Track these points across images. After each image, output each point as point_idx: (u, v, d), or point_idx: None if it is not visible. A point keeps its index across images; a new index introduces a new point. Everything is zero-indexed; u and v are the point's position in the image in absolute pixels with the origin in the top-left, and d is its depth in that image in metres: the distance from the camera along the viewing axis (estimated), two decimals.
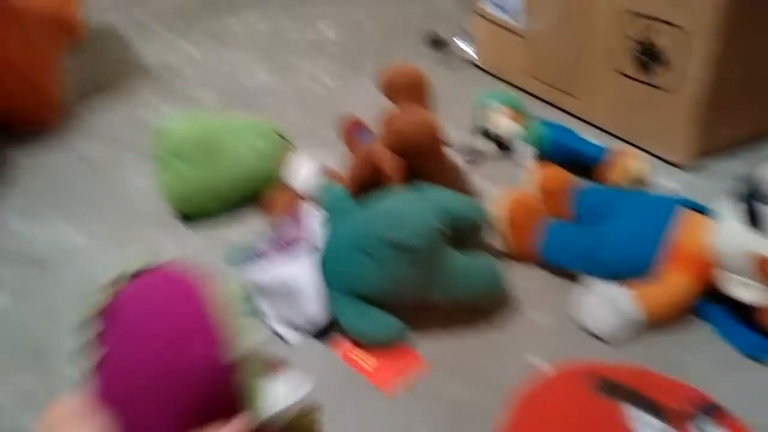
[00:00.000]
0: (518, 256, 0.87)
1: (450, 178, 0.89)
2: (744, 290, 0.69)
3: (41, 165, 1.24)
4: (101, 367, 0.36)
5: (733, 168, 1.06)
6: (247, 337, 0.36)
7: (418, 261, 0.72)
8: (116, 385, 0.35)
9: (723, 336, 0.73)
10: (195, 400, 0.34)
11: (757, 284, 0.68)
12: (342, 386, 0.72)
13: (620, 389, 0.48)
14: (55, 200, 1.15)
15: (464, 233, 0.81)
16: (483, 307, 0.80)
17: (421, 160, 0.84)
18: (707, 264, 0.72)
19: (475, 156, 1.14)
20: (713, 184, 1.01)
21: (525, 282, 0.84)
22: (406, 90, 0.90)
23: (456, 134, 1.12)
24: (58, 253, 1.00)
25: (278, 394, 0.37)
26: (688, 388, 0.51)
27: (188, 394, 0.35)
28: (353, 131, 1.16)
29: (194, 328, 0.35)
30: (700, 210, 0.78)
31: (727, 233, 0.71)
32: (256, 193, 1.08)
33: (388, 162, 0.82)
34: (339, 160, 1.04)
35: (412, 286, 0.74)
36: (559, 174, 0.91)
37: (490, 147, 1.15)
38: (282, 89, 1.46)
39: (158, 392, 0.34)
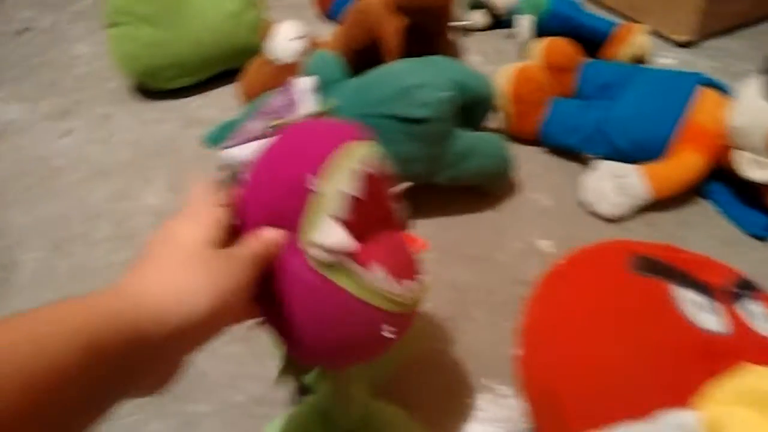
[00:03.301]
0: (521, 135, 0.82)
1: (455, 50, 0.81)
2: (757, 169, 0.67)
3: None
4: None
5: (736, 48, 1.02)
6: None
7: (426, 136, 0.66)
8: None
9: (728, 215, 0.72)
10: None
11: None
12: None
13: (661, 266, 0.45)
14: None
15: (473, 110, 0.74)
16: (487, 189, 0.76)
17: (431, 21, 0.75)
18: (721, 143, 0.70)
19: (467, 31, 1.05)
20: (716, 63, 0.97)
21: (528, 163, 0.80)
22: None
23: None
24: None
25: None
26: (722, 265, 0.49)
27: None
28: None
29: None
30: (720, 88, 0.74)
31: (746, 110, 0.67)
32: (226, 63, 0.97)
33: (388, 23, 0.73)
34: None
35: (418, 166, 0.68)
36: (566, 47, 0.84)
37: (483, 20, 1.06)
38: None
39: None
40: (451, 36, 0.84)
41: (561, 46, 0.84)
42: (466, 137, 0.70)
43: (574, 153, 0.80)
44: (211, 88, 0.98)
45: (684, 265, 0.46)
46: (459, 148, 0.69)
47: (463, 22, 1.04)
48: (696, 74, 0.76)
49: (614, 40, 0.92)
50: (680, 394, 0.40)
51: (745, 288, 0.45)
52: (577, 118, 0.78)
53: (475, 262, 0.68)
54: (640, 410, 0.40)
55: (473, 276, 0.67)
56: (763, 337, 0.41)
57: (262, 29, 0.85)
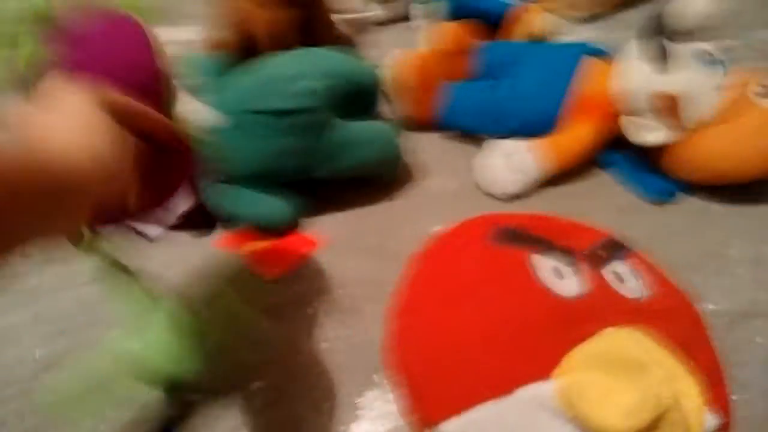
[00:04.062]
0: (418, 122, 0.80)
1: (345, 41, 0.78)
2: (648, 133, 0.65)
3: None
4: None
5: (641, 20, 1.01)
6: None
7: (298, 127, 0.63)
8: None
9: (628, 182, 0.70)
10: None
11: (661, 125, 0.65)
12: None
13: (524, 236, 0.43)
14: None
15: (359, 99, 0.72)
16: (382, 180, 0.73)
17: (305, 12, 0.72)
18: (612, 111, 0.68)
19: (363, 23, 1.02)
20: (618, 34, 0.97)
21: (426, 149, 0.78)
22: None
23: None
24: None
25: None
26: (595, 230, 0.47)
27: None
28: None
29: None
30: (606, 56, 0.73)
31: (632, 74, 0.66)
32: None
33: (258, 16, 0.69)
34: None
35: (293, 159, 0.65)
36: (458, 31, 0.82)
37: (386, 12, 1.03)
38: None
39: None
40: (338, 27, 0.81)
41: (452, 30, 0.82)
42: (348, 128, 0.67)
43: (473, 135, 0.77)
44: None
45: (548, 233, 0.44)
46: (339, 139, 0.66)
47: (363, 14, 1.01)
48: (581, 44, 0.75)
49: (510, 20, 0.91)
50: (542, 367, 0.37)
51: (612, 249, 0.43)
52: (471, 100, 0.76)
53: (367, 255, 0.65)
54: (502, 388, 0.37)
55: (365, 270, 0.63)
56: (625, 298, 0.39)
57: None
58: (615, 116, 0.68)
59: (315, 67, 0.65)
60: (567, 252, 0.41)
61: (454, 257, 0.43)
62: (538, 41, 0.91)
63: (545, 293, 0.38)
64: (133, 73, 0.43)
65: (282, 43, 0.71)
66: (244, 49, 0.72)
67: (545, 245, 0.42)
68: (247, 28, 0.70)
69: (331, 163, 0.67)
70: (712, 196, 0.67)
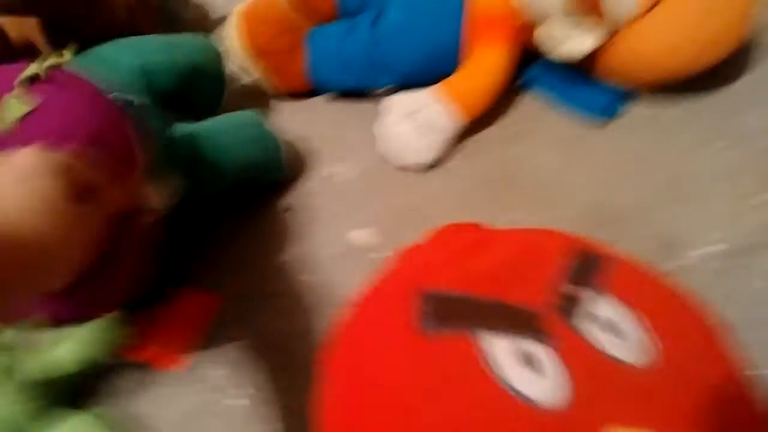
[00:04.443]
0: (286, 90, 0.62)
1: (134, 15, 0.58)
2: (569, 44, 0.50)
3: None
4: None
5: None
6: None
7: None
8: None
9: (561, 103, 0.56)
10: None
11: (582, 29, 0.50)
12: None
13: (462, 305, 0.29)
14: None
15: (200, 89, 0.54)
16: (264, 183, 0.57)
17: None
18: (518, 23, 0.53)
19: None
20: None
21: (309, 127, 0.61)
22: None
23: None
24: None
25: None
26: (549, 249, 0.33)
27: None
28: None
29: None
30: None
31: None
32: None
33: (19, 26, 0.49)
34: None
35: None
36: None
37: None
38: None
39: None
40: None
41: None
42: (198, 130, 0.50)
43: (361, 94, 0.61)
44: None
45: (492, 282, 0.30)
46: (190, 148, 0.48)
47: None
48: None
49: None
50: None
51: (581, 283, 0.30)
52: (343, 50, 0.58)
53: (283, 300, 0.51)
54: None
55: (274, 313, 0.50)
56: (627, 372, 0.27)
57: None
58: (525, 29, 0.53)
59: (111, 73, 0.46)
60: (528, 316, 0.28)
61: (376, 364, 0.30)
62: None
63: (515, 405, 0.26)
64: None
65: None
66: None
67: (495, 311, 0.29)
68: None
69: (192, 183, 0.50)
70: (658, 101, 0.55)
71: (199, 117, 0.52)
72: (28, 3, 0.49)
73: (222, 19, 0.72)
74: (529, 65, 0.57)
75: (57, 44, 0.51)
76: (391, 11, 0.57)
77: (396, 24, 0.56)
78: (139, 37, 0.51)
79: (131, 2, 0.57)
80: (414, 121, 0.54)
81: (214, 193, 0.51)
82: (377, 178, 0.56)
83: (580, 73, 0.55)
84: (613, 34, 0.50)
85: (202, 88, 0.55)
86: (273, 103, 0.64)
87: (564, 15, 0.50)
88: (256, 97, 0.63)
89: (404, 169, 0.55)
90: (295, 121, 0.61)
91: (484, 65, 0.54)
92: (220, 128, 0.51)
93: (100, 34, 0.50)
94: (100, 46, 0.49)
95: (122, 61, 0.47)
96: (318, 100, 0.63)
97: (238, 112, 0.54)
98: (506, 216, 0.50)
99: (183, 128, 0.49)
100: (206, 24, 0.73)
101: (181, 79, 0.51)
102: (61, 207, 0.27)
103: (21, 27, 0.50)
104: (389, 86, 0.58)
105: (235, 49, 0.58)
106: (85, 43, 0.50)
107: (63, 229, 0.28)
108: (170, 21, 0.66)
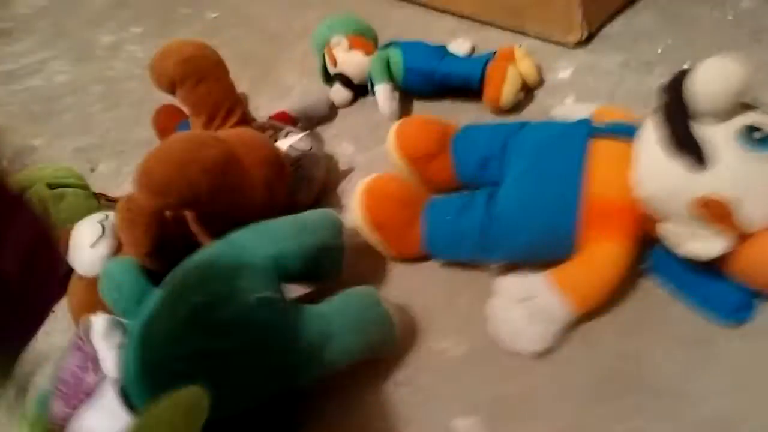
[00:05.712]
0: (400, 258, 0.65)
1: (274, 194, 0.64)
2: (696, 244, 0.48)
3: None
4: None
5: (643, 23, 0.82)
6: None
7: (251, 359, 0.49)
8: None
9: (685, 297, 0.53)
10: None
11: (712, 233, 0.48)
12: None
13: None
14: None
15: (319, 265, 0.58)
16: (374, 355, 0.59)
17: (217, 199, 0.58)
18: (639, 213, 0.52)
19: (311, 118, 0.88)
20: (624, 54, 0.78)
21: (416, 294, 0.63)
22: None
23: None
24: None
25: None
26: None
27: None
28: (166, 129, 0.88)
29: None
30: (618, 132, 0.56)
31: (661, 176, 0.49)
32: None
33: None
34: None
35: (261, 387, 0.52)
36: (418, 131, 0.66)
37: (341, 95, 0.88)
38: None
39: None
40: (272, 171, 0.66)
41: (411, 133, 0.66)
42: (316, 320, 0.53)
43: (473, 264, 0.62)
44: None
45: None
46: (312, 331, 0.52)
47: (304, 112, 0.87)
48: (583, 124, 0.58)
49: (491, 81, 0.74)
50: None
51: None
52: (459, 224, 0.60)
53: None
54: None
55: None
56: None
57: (62, 237, 0.69)
58: (646, 220, 0.52)
59: (231, 276, 0.51)
60: None
61: None
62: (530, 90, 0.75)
63: None
64: None
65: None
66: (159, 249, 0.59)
67: None
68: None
69: (312, 370, 0.53)
70: None
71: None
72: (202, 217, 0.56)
73: (346, 173, 0.79)
74: (651, 246, 0.55)
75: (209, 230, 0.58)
76: (507, 191, 0.58)
77: (511, 207, 0.57)
78: (272, 222, 0.56)
79: (269, 177, 0.63)
80: (527, 308, 0.53)
81: (328, 373, 0.54)
82: (485, 359, 0.56)
83: (708, 265, 0.52)
84: (744, 236, 0.48)
85: (325, 263, 0.59)
86: (387, 264, 0.66)
87: (692, 220, 0.48)
88: (373, 254, 0.66)
89: (514, 352, 0.55)
90: (408, 287, 0.64)
91: (601, 258, 0.53)
92: (343, 310, 0.54)
93: (242, 216, 0.57)
94: (237, 233, 0.55)
95: (258, 250, 0.53)
96: (431, 265, 0.65)
97: (359, 291, 0.57)
98: (622, 425, 0.48)
99: (310, 311, 0.53)
100: (336, 177, 0.79)
101: (307, 262, 0.56)
102: None
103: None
104: (502, 262, 0.59)
105: (357, 222, 0.62)
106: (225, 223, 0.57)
107: None
108: (300, 180, 0.72)
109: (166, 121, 0.88)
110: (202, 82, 0.67)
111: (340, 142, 0.85)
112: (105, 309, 0.59)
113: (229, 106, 0.69)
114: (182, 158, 0.53)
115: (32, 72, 1.33)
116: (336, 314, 0.54)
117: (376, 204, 0.61)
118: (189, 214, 0.58)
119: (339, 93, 0.87)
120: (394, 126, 0.67)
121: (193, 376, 0.49)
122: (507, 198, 0.58)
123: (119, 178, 0.95)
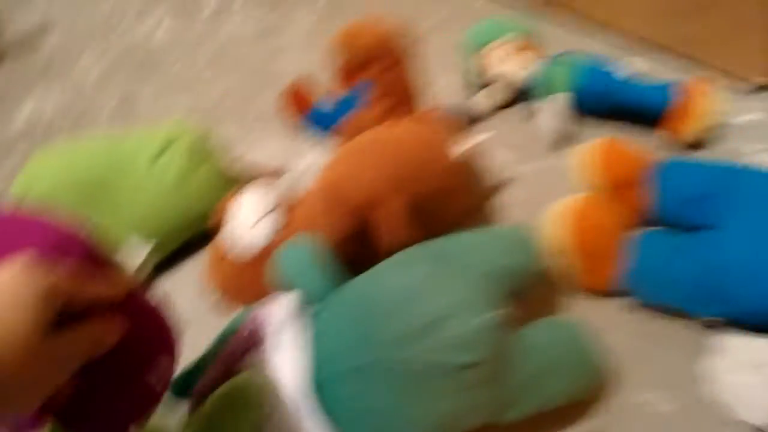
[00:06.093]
0: (589, 290, 0.59)
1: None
2: None
3: None
4: None
5: None
6: None
7: (482, 379, 0.44)
8: None
9: None
10: None
11: None
12: None
13: None
14: None
15: (520, 290, 0.52)
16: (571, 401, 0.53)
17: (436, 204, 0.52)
18: None
19: (477, 118, 0.82)
20: None
21: (618, 334, 0.56)
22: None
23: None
24: None
25: None
26: None
27: None
28: (302, 106, 0.83)
29: None
30: None
31: None
32: (184, 235, 0.76)
33: (385, 203, 0.50)
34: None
35: (478, 413, 0.46)
36: (627, 154, 0.60)
37: (492, 101, 0.82)
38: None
39: None
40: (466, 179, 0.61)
41: (620, 154, 0.60)
42: (533, 352, 0.47)
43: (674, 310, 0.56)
44: (176, 266, 0.76)
45: None
46: (529, 369, 0.46)
47: (469, 108, 0.81)
48: None
49: (678, 113, 0.69)
50: None
51: None
52: (669, 269, 0.54)
53: None
54: None
55: None
56: None
57: (218, 210, 0.63)
58: None
59: (470, 284, 0.46)
60: None
61: None
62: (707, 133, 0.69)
63: None
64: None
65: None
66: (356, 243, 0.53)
67: None
68: (367, 215, 0.51)
69: (523, 401, 0.47)
70: None
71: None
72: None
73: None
74: None
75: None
76: (738, 239, 0.52)
77: (741, 257, 0.51)
78: (472, 236, 0.51)
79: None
80: (762, 374, 0.48)
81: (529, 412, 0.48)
82: (698, 421, 0.50)
83: None
84: None
85: (524, 286, 0.53)
86: (566, 294, 0.60)
87: None
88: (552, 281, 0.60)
89: (736, 420, 0.49)
90: (594, 325, 0.58)
91: None
92: (555, 344, 0.49)
93: (450, 221, 0.51)
94: (445, 242, 0.50)
95: (474, 270, 0.47)
96: (621, 305, 0.59)
97: (570, 325, 0.51)
98: None
99: (525, 339, 0.48)
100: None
101: (513, 282, 0.50)
102: (30, 342, 0.27)
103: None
104: (718, 319, 0.53)
105: (553, 244, 0.56)
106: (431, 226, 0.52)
107: (27, 364, 0.27)
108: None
109: (302, 101, 0.83)
110: (398, 65, 0.61)
111: (497, 150, 0.77)
112: (265, 291, 0.52)
113: (414, 96, 0.64)
114: (421, 156, 0.47)
115: (137, 28, 1.29)
116: (550, 349, 0.48)
117: (583, 228, 0.56)
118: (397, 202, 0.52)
119: (490, 98, 0.81)
120: (596, 145, 0.61)
121: (402, 400, 0.43)
122: (736, 248, 0.52)
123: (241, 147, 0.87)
